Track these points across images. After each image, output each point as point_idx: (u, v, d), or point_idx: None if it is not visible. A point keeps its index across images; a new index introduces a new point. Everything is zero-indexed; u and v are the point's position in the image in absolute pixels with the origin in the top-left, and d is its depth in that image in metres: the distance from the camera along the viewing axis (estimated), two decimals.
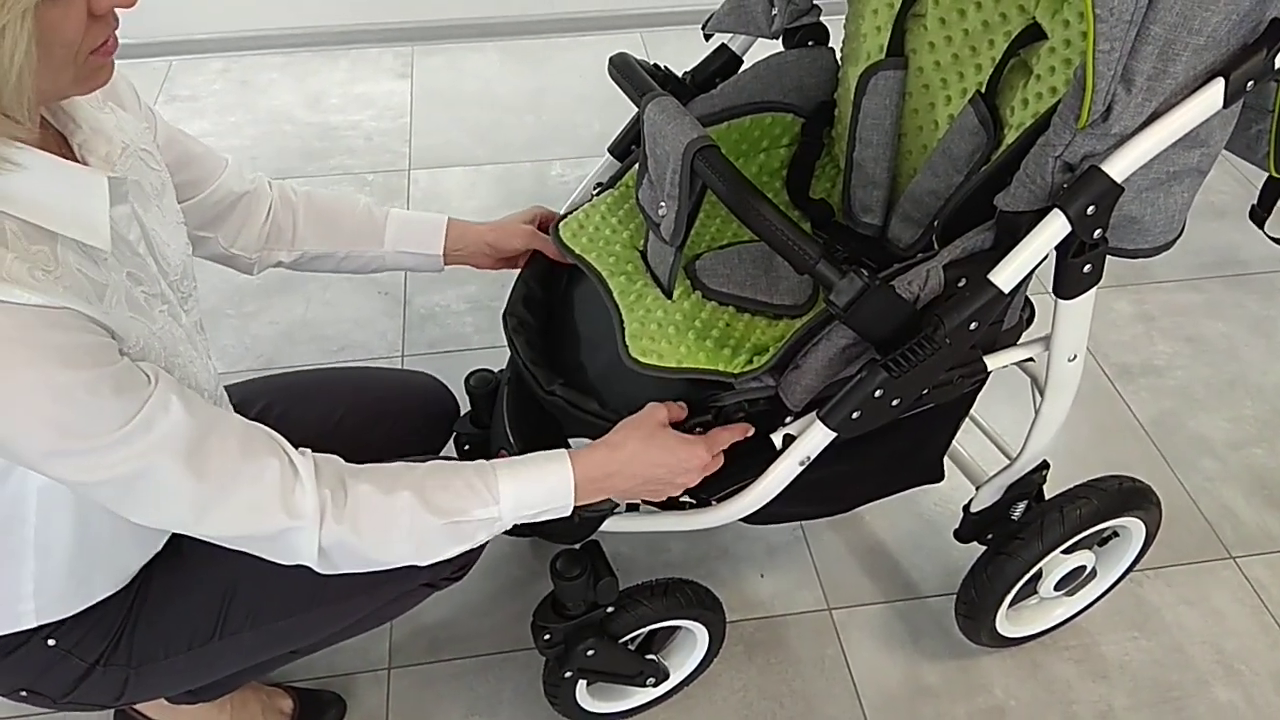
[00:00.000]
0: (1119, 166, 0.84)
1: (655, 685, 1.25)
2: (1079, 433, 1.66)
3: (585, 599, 1.09)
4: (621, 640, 1.15)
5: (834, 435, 0.93)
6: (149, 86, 2.43)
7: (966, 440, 1.26)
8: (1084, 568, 1.26)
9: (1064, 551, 1.22)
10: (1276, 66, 0.85)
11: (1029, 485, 1.22)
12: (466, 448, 1.29)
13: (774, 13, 1.13)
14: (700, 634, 1.23)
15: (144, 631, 0.93)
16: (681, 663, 1.27)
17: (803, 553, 1.49)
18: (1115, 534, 1.29)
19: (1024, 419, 1.13)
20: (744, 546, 1.50)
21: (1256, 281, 1.97)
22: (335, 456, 0.85)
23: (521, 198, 2.13)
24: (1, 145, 0.66)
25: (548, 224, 1.15)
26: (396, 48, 2.60)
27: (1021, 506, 1.23)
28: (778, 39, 1.17)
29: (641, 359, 0.96)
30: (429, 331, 1.82)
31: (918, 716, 1.30)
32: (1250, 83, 0.84)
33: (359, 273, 1.18)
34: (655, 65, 1.13)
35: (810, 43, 1.17)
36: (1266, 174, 1.03)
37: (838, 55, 1.17)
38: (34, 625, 0.88)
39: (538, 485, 0.89)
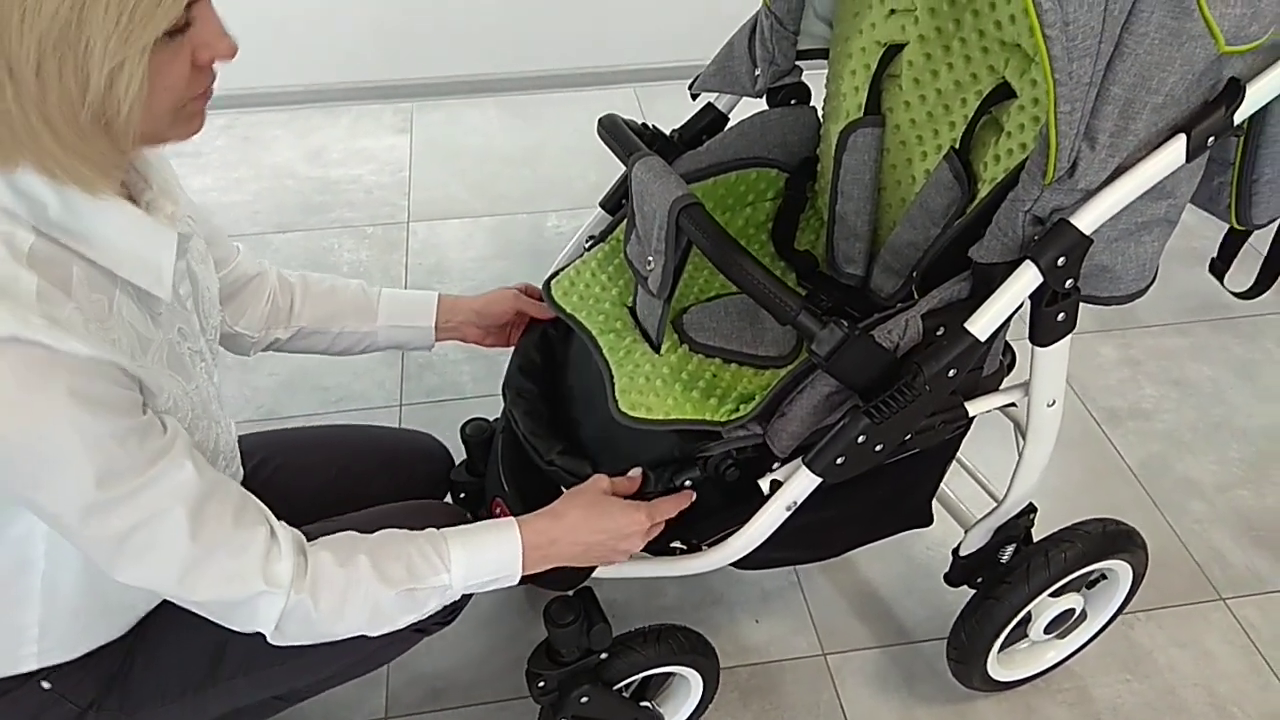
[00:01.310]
0: (1087, 219, 0.87)
1: None
2: (1068, 476, 1.68)
3: (579, 645, 1.10)
4: (616, 687, 1.16)
5: (819, 480, 0.95)
6: None
7: (956, 485, 1.29)
8: (1073, 611, 1.28)
9: (1052, 595, 1.23)
10: (1235, 123, 0.89)
11: (1016, 529, 1.24)
12: (462, 495, 1.31)
13: (757, 73, 1.18)
14: (694, 680, 1.24)
15: (139, 676, 0.95)
16: (676, 709, 1.27)
17: (797, 598, 1.50)
18: (1103, 577, 1.31)
19: (1012, 463, 1.15)
20: (739, 592, 1.51)
21: (1240, 325, 2.00)
22: (294, 530, 0.88)
23: (518, 248, 2.18)
24: (99, 178, 0.69)
25: (534, 293, 1.18)
26: (397, 104, 2.66)
27: (1010, 550, 1.24)
28: (762, 98, 1.22)
29: (631, 413, 0.98)
30: (427, 381, 1.85)
31: None
32: (1211, 138, 0.88)
33: (350, 352, 1.19)
34: (644, 124, 1.17)
35: (793, 101, 1.22)
36: (1227, 226, 1.07)
37: (819, 113, 1.21)
38: (34, 669, 0.89)
39: (487, 553, 0.92)
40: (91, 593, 0.89)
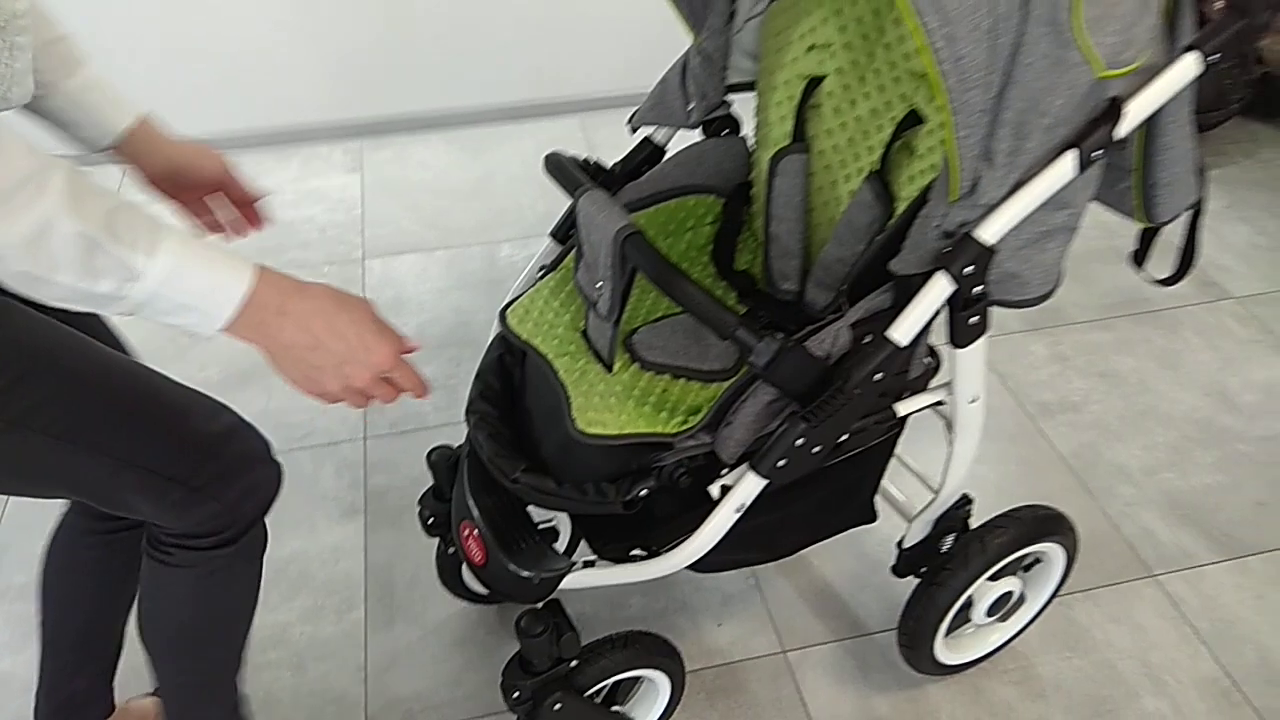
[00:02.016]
0: (990, 231, 0.96)
1: None
2: (1005, 469, 1.78)
3: (550, 655, 1.16)
4: (587, 693, 1.22)
5: (765, 483, 1.03)
6: None
7: (899, 482, 1.37)
8: (1011, 594, 1.36)
9: (990, 579, 1.32)
10: (1117, 138, 0.98)
11: (954, 519, 1.32)
12: (430, 521, 1.37)
13: (690, 107, 1.26)
14: (662, 683, 1.30)
15: None
16: (646, 713, 1.33)
17: (756, 600, 1.57)
18: (1038, 560, 1.40)
19: (935, 452, 1.24)
20: (701, 598, 1.58)
21: (1162, 317, 2.13)
22: None
23: (473, 279, 2.24)
24: None
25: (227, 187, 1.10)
26: (346, 143, 2.72)
27: (950, 539, 1.33)
28: (696, 129, 1.30)
29: (588, 430, 1.05)
30: (389, 413, 1.90)
31: None
32: (1098, 152, 0.97)
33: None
34: (586, 160, 1.25)
35: (725, 132, 1.30)
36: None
37: (750, 141, 1.30)
38: None
39: (204, 272, 0.75)
40: None
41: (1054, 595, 1.43)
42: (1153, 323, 2.11)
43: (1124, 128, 0.97)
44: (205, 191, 1.09)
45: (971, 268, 0.97)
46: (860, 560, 1.61)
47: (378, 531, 1.69)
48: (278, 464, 1.02)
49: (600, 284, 1.06)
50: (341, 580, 1.61)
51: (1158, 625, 1.54)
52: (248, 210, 1.15)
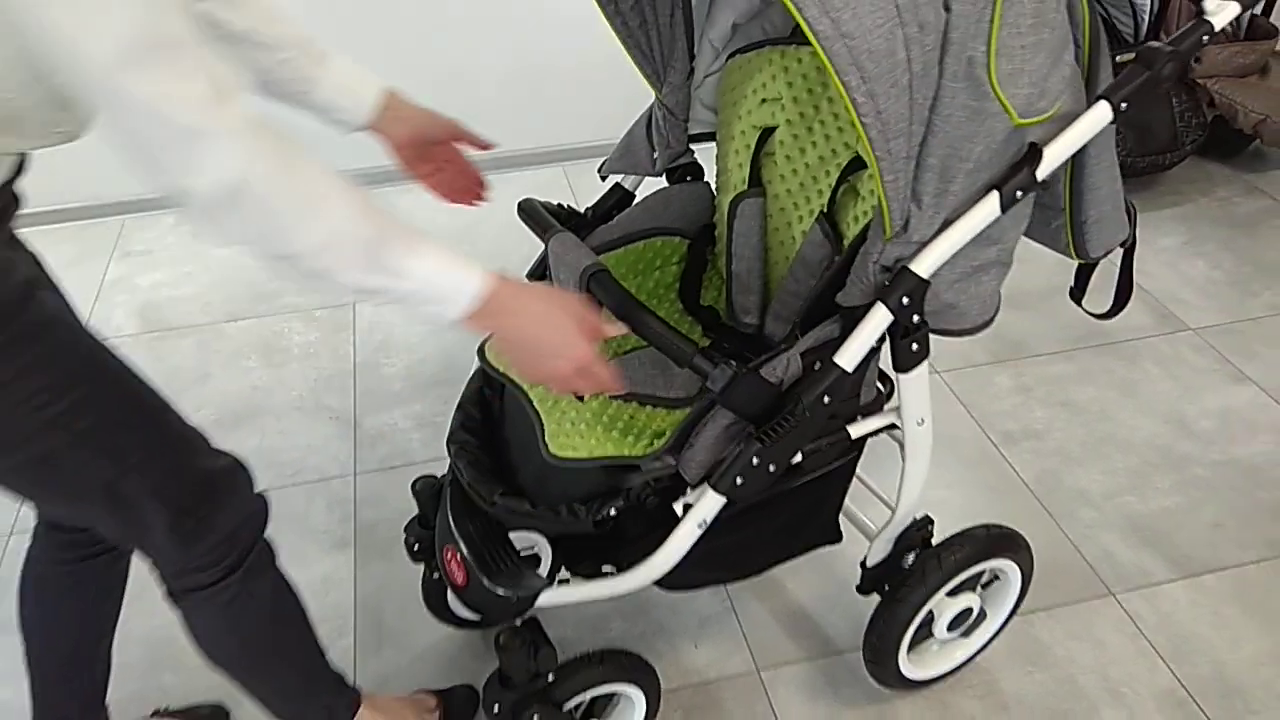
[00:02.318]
0: (924, 265, 1.05)
1: None
2: (970, 495, 1.85)
3: (527, 669, 1.22)
4: (565, 708, 1.28)
5: (724, 500, 1.10)
6: (104, 244, 2.60)
7: (865, 506, 1.44)
8: (971, 610, 1.43)
9: (949, 594, 1.39)
10: (1039, 179, 1.08)
11: (914, 539, 1.39)
12: (416, 547, 1.44)
13: (655, 155, 1.37)
14: (637, 699, 1.36)
15: None
16: None
17: (731, 622, 1.64)
18: (996, 577, 1.47)
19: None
20: (678, 621, 1.64)
21: (1122, 349, 2.22)
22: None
23: None
24: None
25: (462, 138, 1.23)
26: None
27: (911, 557, 1.40)
28: (662, 176, 1.40)
29: (560, 454, 1.13)
30: (379, 450, 1.98)
31: None
32: (1019, 192, 1.06)
33: (283, 92, 1.10)
34: (559, 205, 1.34)
35: (689, 178, 1.40)
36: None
37: (713, 187, 1.39)
38: None
39: (452, 274, 0.88)
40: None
41: (1013, 612, 1.50)
42: (1113, 354, 2.20)
43: (1043, 170, 1.06)
44: (441, 154, 1.22)
45: (908, 299, 1.06)
46: (831, 582, 1.68)
47: (367, 563, 1.75)
48: (264, 497, 1.13)
49: None
50: (332, 609, 1.67)
51: (1117, 641, 1.60)
52: (473, 181, 1.28)
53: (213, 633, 1.16)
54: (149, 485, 1.01)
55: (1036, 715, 1.50)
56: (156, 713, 1.45)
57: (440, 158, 1.24)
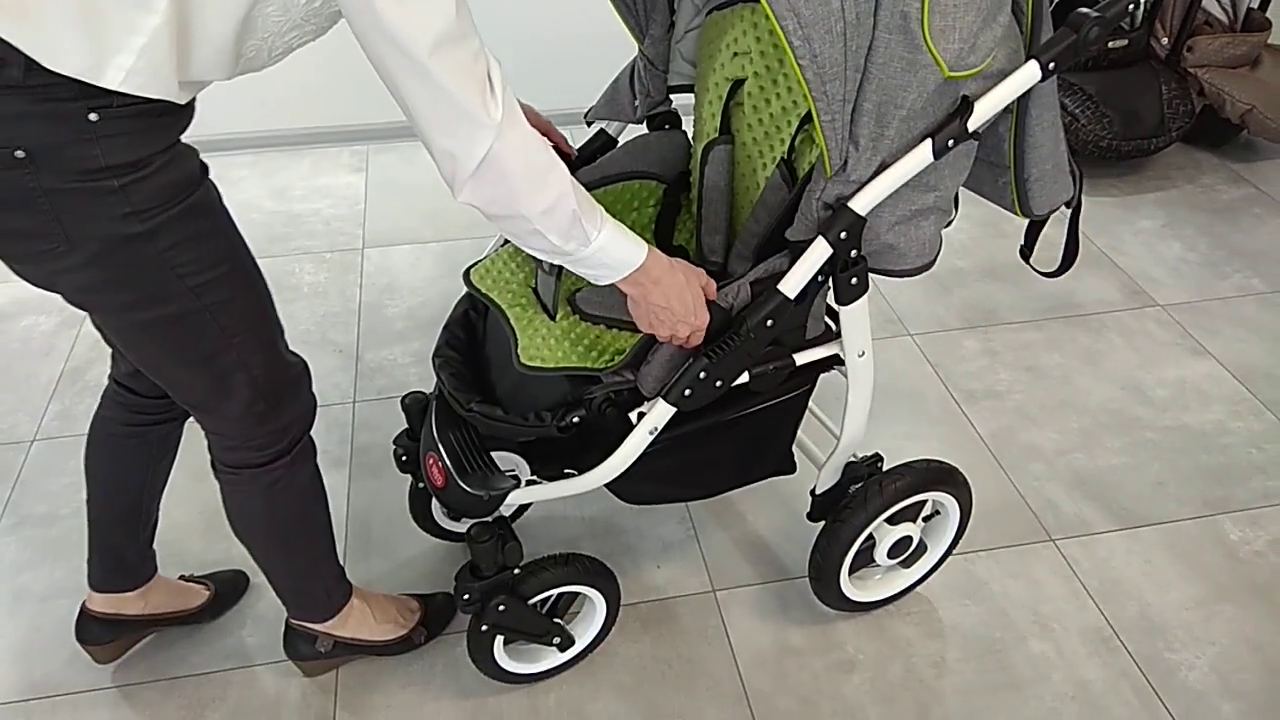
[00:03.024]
0: (861, 203, 1.16)
1: (562, 649, 1.50)
2: (928, 445, 1.96)
3: (495, 561, 1.35)
4: (530, 601, 1.41)
5: (674, 409, 1.22)
6: None
7: (824, 445, 1.55)
8: (911, 539, 1.55)
9: (889, 522, 1.51)
10: (970, 130, 1.18)
11: (862, 472, 1.51)
12: (403, 458, 1.56)
13: (637, 104, 1.48)
14: (598, 603, 1.49)
15: (156, 185, 0.98)
16: (584, 631, 1.52)
17: (693, 547, 1.76)
18: (937, 511, 1.58)
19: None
20: (644, 544, 1.77)
21: (1088, 321, 2.32)
22: None
23: (462, 268, 2.45)
24: None
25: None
26: (353, 146, 2.95)
27: (861, 485, 1.51)
28: (643, 124, 1.51)
29: (529, 363, 1.25)
30: (378, 381, 2.11)
31: (783, 670, 1.56)
32: (951, 140, 1.17)
33: None
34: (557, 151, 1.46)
35: (667, 126, 1.51)
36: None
37: (689, 135, 1.51)
38: (113, 87, 0.89)
39: (622, 246, 1.09)
40: (217, 22, 0.92)
41: (952, 546, 1.61)
42: (1080, 325, 2.30)
43: (974, 121, 1.16)
44: None
45: (845, 234, 1.17)
46: (788, 515, 1.80)
47: (360, 480, 1.88)
48: (315, 400, 1.30)
49: None
50: None
51: (1051, 581, 1.72)
52: None
53: (249, 507, 1.32)
54: (243, 363, 1.16)
55: (968, 641, 1.61)
56: (183, 577, 1.62)
57: None
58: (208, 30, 0.93)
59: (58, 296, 1.07)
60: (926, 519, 1.58)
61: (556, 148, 1.35)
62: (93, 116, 0.91)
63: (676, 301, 1.15)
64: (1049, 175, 1.34)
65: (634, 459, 1.27)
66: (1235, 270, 2.49)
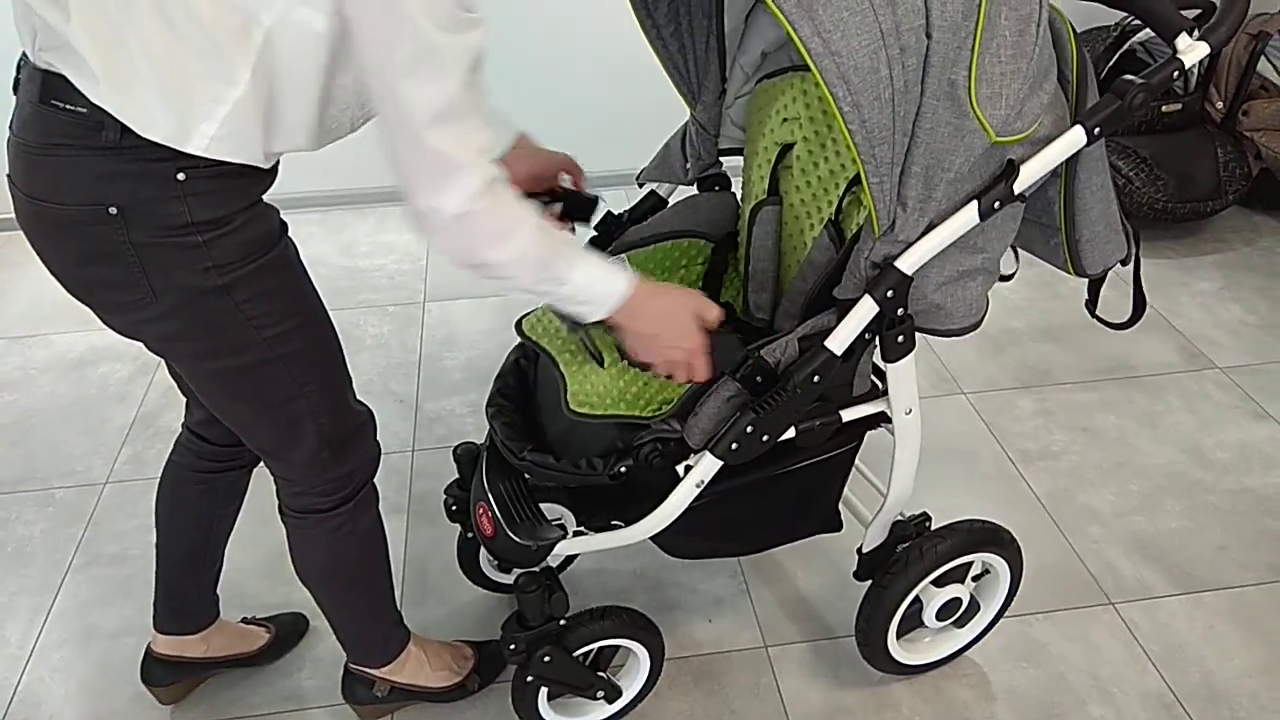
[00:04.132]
0: (908, 262, 1.19)
1: (608, 701, 1.51)
2: (983, 507, 1.93)
3: (542, 611, 1.37)
4: (575, 654, 1.42)
5: (720, 463, 1.24)
6: None
7: (871, 503, 1.55)
8: (960, 600, 1.53)
9: (936, 584, 1.49)
10: (1016, 192, 1.20)
11: (910, 532, 1.51)
12: (454, 507, 1.60)
13: (688, 165, 1.53)
14: (642, 655, 1.50)
15: (237, 242, 1.05)
16: (630, 684, 1.52)
17: (744, 602, 1.76)
18: (986, 571, 1.56)
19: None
20: (694, 599, 1.77)
21: (1145, 382, 2.29)
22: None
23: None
24: None
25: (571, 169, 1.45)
26: (386, 207, 3.05)
27: (904, 548, 1.51)
28: (693, 185, 1.56)
29: (578, 410, 1.29)
30: (436, 430, 2.16)
31: None
32: (997, 203, 1.19)
33: None
34: (609, 212, 1.52)
35: (716, 188, 1.56)
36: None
37: (738, 196, 1.55)
38: (198, 152, 0.97)
39: (603, 283, 1.12)
40: (296, 95, 0.99)
41: (1004, 607, 1.59)
42: (1137, 387, 2.27)
43: (1020, 184, 1.19)
44: (547, 184, 1.43)
45: (892, 292, 1.19)
46: (839, 573, 1.79)
47: (418, 528, 1.93)
48: (380, 447, 1.35)
49: None
50: None
51: (1111, 645, 1.68)
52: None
53: (313, 552, 1.37)
54: (312, 411, 1.21)
55: (1025, 707, 1.58)
56: (245, 619, 1.66)
57: (546, 187, 1.44)
58: (289, 101, 1.00)
59: (134, 345, 1.14)
60: (976, 578, 1.57)
61: (565, 194, 1.43)
62: (180, 176, 0.98)
63: (665, 326, 1.18)
64: (1100, 236, 1.36)
65: (680, 512, 1.29)
66: None
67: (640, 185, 1.57)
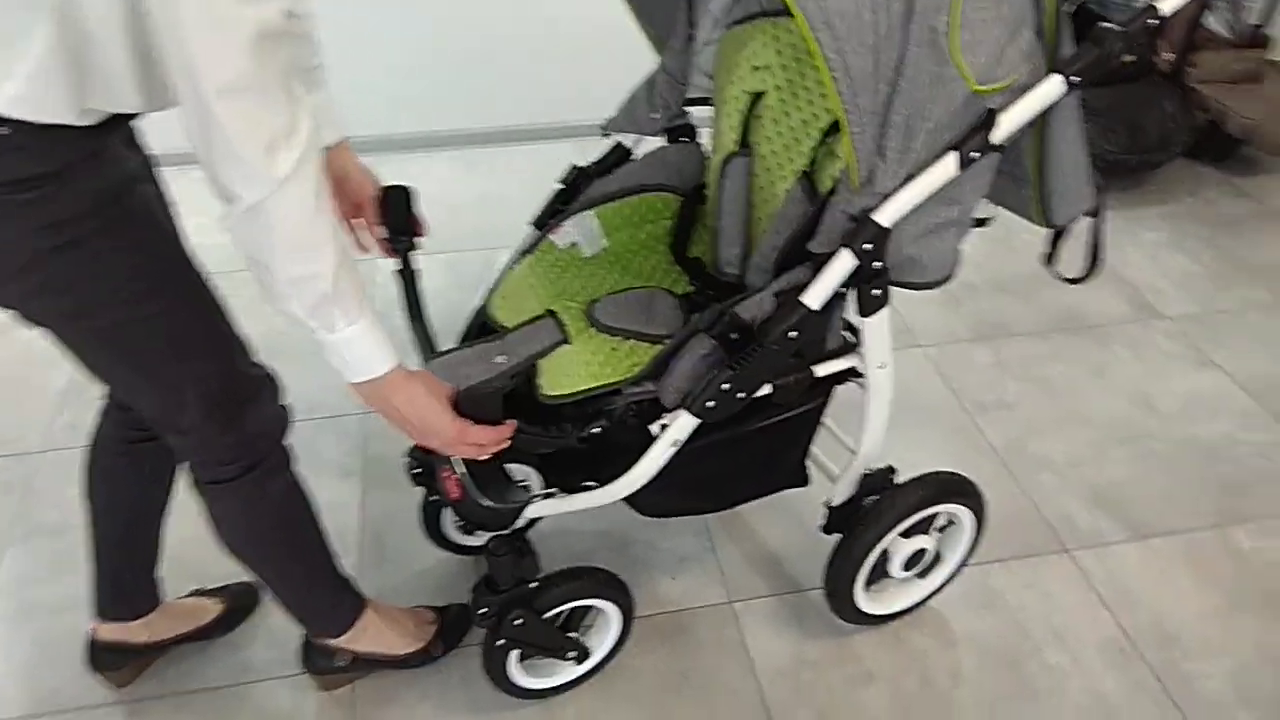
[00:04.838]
0: (885, 215, 1.16)
1: (577, 662, 1.49)
2: (939, 455, 1.96)
3: (512, 574, 1.34)
4: (545, 616, 1.40)
5: (697, 421, 1.22)
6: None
7: (836, 458, 1.55)
8: (925, 551, 1.54)
9: (903, 535, 1.50)
10: (994, 143, 1.18)
11: (876, 483, 1.51)
12: (417, 471, 1.56)
13: (655, 116, 1.48)
14: (612, 614, 1.48)
15: (69, 204, 0.97)
16: (599, 643, 1.51)
17: (709, 559, 1.76)
18: (951, 522, 1.58)
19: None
20: (659, 557, 1.76)
21: (1096, 333, 2.33)
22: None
23: (469, 280, 2.45)
24: None
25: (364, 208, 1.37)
26: (363, 157, 2.93)
27: (872, 500, 1.51)
28: (660, 136, 1.52)
29: (553, 394, 1.25)
30: None
31: (801, 682, 1.56)
32: (976, 154, 1.17)
33: None
34: (573, 166, 1.47)
35: (684, 139, 1.52)
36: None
37: (705, 148, 1.51)
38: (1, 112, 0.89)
39: (369, 349, 1.04)
40: (105, 45, 0.90)
41: (968, 555, 1.61)
42: (1088, 337, 2.31)
43: (999, 134, 1.17)
44: (354, 209, 1.37)
45: (870, 245, 1.17)
46: (802, 528, 1.79)
47: (374, 491, 1.88)
48: (286, 409, 1.27)
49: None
50: (337, 531, 1.77)
51: (1066, 592, 1.72)
52: (381, 242, 1.40)
53: (230, 523, 1.30)
54: (194, 375, 1.14)
55: (984, 653, 1.61)
56: (195, 592, 1.61)
57: (348, 209, 1.38)
58: (99, 52, 0.92)
59: None
60: (941, 529, 1.58)
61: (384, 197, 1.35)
62: (2, 130, 0.91)
63: (415, 417, 1.12)
64: (1071, 188, 1.35)
65: (656, 471, 1.26)
66: (1240, 283, 2.50)
67: (605, 135, 1.52)
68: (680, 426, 1.23)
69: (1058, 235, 1.46)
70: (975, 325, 2.33)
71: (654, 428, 1.26)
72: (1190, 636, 1.64)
